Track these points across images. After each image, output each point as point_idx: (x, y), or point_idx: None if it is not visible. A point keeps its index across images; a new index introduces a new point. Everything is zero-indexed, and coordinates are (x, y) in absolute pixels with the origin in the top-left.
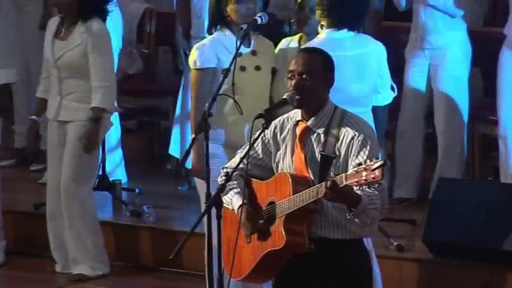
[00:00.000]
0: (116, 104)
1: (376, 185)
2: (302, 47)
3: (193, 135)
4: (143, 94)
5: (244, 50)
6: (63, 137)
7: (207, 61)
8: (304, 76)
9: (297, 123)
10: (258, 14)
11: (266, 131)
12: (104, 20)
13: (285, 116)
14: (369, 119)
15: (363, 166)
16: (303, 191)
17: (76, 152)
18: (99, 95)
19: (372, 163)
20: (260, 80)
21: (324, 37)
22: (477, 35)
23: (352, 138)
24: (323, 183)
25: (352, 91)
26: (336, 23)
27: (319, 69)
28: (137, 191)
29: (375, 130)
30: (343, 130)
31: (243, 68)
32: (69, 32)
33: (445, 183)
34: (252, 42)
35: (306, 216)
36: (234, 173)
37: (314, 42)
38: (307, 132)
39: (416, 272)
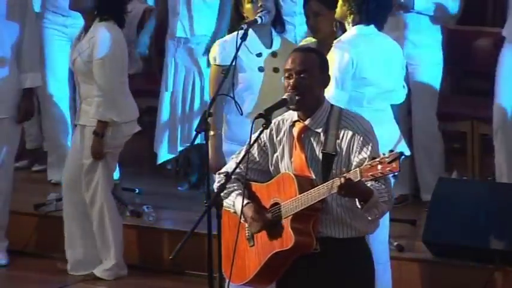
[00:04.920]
0: (117, 116)
1: (382, 179)
2: (300, 44)
3: (212, 132)
4: (143, 94)
5: (265, 51)
6: (82, 141)
7: (227, 58)
8: (302, 75)
9: (293, 124)
10: (259, 14)
11: (262, 133)
12: (121, 24)
13: (279, 118)
14: (390, 113)
15: (378, 160)
16: (312, 190)
17: (91, 157)
18: (94, 106)
19: (387, 156)
20: (277, 82)
21: (355, 33)
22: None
23: (353, 135)
24: (336, 179)
25: (384, 84)
26: (365, 19)
27: (316, 68)
28: (137, 191)
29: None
30: (343, 128)
31: (261, 69)
32: (84, 36)
33: (445, 183)
34: (274, 43)
35: (312, 216)
36: (232, 177)
37: (345, 38)
38: (306, 132)
39: (416, 272)
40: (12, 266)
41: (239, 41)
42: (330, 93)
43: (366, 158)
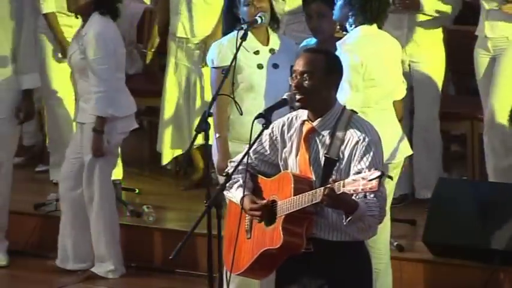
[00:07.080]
0: (114, 111)
1: (379, 192)
2: (301, 46)
3: (218, 135)
4: (143, 94)
5: (262, 48)
6: (81, 138)
7: (224, 59)
8: (304, 76)
9: (303, 122)
10: (258, 14)
11: (275, 127)
12: (115, 16)
13: (294, 113)
14: (393, 112)
15: (361, 175)
16: (302, 194)
17: (91, 155)
18: (93, 102)
19: (370, 173)
20: (277, 78)
21: (360, 34)
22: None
23: (357, 142)
24: (321, 188)
25: (388, 84)
26: (369, 19)
27: (320, 69)
28: (137, 191)
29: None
30: (349, 133)
31: (260, 66)
32: (80, 33)
33: (445, 183)
34: (270, 40)
35: (305, 218)
36: (240, 167)
37: (351, 39)
38: (313, 133)
39: (416, 272)
40: (12, 266)
41: (239, 41)
42: (346, 95)
43: (363, 169)
